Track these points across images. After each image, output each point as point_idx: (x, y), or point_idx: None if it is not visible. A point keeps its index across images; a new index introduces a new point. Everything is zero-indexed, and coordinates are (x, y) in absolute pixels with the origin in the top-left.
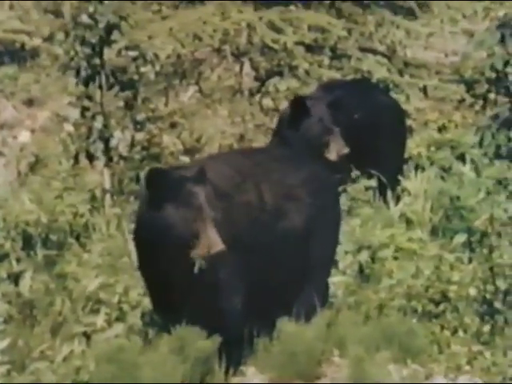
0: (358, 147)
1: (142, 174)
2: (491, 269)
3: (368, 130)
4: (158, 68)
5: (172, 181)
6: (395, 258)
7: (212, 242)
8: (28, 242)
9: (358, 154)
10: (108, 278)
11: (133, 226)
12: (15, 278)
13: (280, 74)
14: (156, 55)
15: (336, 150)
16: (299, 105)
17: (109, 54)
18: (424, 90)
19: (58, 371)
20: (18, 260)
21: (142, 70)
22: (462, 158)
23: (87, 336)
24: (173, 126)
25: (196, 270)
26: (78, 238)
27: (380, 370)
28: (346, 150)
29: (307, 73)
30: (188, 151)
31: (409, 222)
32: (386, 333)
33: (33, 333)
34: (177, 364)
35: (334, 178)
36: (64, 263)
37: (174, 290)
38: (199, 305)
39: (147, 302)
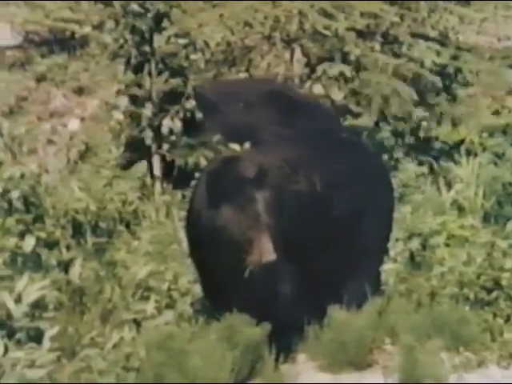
0: None
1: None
2: None
3: None
4: (207, 55)
5: (231, 183)
6: (447, 245)
7: (264, 251)
8: (78, 230)
9: None
10: (158, 265)
11: (185, 213)
12: (65, 266)
13: (331, 60)
14: (206, 43)
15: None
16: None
17: (159, 41)
18: (476, 75)
19: (108, 358)
20: (68, 247)
21: (192, 57)
22: None
23: (137, 323)
24: None
25: (246, 274)
26: (127, 226)
27: (432, 358)
28: None
29: (358, 59)
30: None
31: (460, 209)
32: (437, 321)
33: (83, 320)
34: (226, 351)
35: (386, 164)
36: (114, 251)
37: (225, 276)
38: (251, 291)
39: (197, 290)
